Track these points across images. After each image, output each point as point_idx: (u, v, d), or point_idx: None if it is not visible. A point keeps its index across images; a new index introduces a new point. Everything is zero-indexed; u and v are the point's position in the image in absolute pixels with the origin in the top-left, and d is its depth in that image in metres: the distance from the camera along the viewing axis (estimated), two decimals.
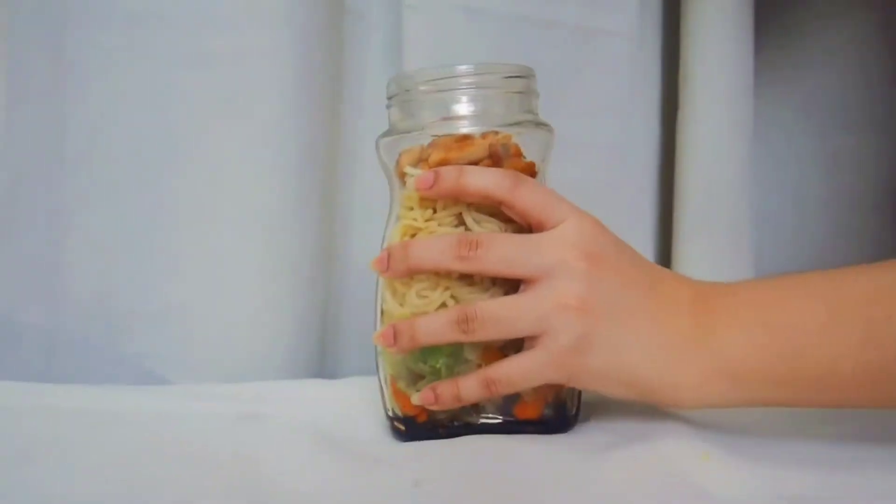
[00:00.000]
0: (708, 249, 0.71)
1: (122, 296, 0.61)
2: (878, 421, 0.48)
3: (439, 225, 0.45)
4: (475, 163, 0.44)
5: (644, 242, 0.72)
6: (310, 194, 0.64)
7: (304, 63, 0.62)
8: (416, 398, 0.45)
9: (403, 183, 0.47)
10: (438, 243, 0.43)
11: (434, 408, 0.44)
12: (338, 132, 0.67)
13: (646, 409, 0.49)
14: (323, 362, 0.68)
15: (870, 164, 0.80)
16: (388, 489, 0.40)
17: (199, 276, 0.62)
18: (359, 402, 0.53)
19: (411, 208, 0.46)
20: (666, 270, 0.46)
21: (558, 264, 0.42)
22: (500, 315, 0.42)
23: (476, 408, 0.46)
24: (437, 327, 0.43)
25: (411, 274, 0.45)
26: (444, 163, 0.44)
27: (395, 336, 0.44)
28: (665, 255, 0.74)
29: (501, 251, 0.43)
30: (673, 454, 0.43)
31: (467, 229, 0.45)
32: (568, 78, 0.65)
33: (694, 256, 0.71)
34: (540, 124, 0.47)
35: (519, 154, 0.47)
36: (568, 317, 0.42)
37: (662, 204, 0.75)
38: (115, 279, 0.61)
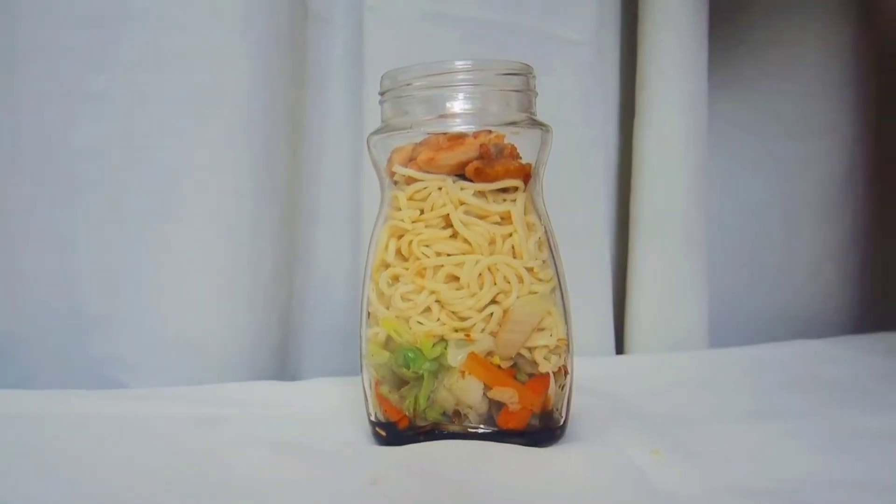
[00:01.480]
0: (664, 251, 0.73)
1: (82, 299, 0.60)
2: (827, 415, 0.52)
3: (426, 227, 0.44)
4: (465, 163, 0.43)
5: (601, 244, 0.73)
6: (271, 196, 0.63)
7: (263, 65, 0.61)
8: None
9: (394, 182, 0.45)
10: None
11: None
12: (301, 134, 0.66)
13: (599, 405, 0.52)
14: (285, 364, 0.67)
15: (817, 168, 0.85)
16: (345, 488, 0.40)
17: (158, 279, 0.61)
18: (318, 404, 0.53)
19: (399, 209, 0.45)
20: None
21: None
22: None
23: (458, 416, 0.44)
24: None
25: None
26: (431, 162, 0.43)
27: None
28: (622, 257, 0.77)
29: None
30: (624, 449, 0.44)
31: (454, 231, 0.43)
32: None
33: (650, 258, 0.73)
34: (537, 124, 0.46)
35: (514, 155, 0.45)
36: None
37: (620, 207, 0.78)
38: (75, 282, 0.60)
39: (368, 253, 0.46)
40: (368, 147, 0.46)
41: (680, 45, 0.72)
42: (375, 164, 0.46)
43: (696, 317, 0.74)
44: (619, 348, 0.76)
